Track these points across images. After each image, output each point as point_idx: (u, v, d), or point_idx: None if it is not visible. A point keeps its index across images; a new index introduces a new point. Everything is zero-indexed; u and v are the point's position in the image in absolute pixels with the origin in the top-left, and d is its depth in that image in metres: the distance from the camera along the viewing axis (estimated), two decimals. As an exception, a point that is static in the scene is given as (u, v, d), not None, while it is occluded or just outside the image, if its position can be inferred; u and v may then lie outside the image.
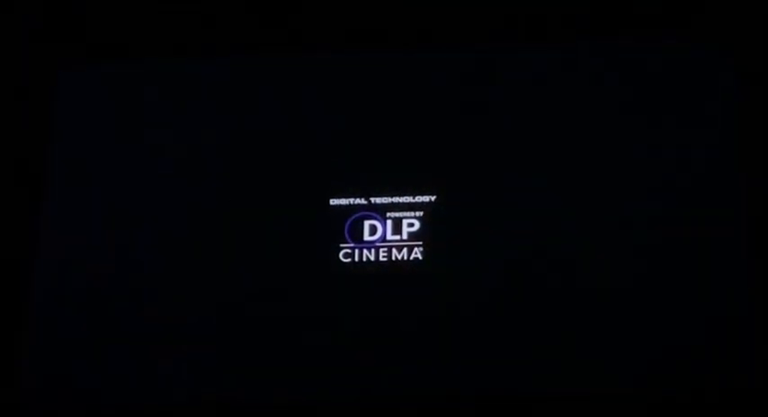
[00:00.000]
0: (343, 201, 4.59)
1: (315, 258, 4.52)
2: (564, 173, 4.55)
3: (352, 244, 4.54)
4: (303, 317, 4.42)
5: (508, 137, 4.62)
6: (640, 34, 4.71)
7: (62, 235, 4.66)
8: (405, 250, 4.51)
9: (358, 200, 4.59)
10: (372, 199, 4.58)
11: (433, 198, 4.56)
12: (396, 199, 4.58)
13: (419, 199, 4.57)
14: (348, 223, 4.56)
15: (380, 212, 4.58)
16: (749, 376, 4.23)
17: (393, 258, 4.50)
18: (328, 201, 4.60)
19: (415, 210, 4.56)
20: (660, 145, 4.55)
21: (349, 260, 4.50)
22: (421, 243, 4.51)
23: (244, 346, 4.43)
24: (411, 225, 4.53)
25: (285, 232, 4.57)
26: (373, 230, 4.56)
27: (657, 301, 4.34)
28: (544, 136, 4.61)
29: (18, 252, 4.64)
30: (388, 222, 4.55)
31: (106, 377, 4.43)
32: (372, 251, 4.52)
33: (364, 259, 4.51)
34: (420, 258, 4.49)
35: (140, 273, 4.55)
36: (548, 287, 4.40)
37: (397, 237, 4.53)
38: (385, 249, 4.52)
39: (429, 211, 4.55)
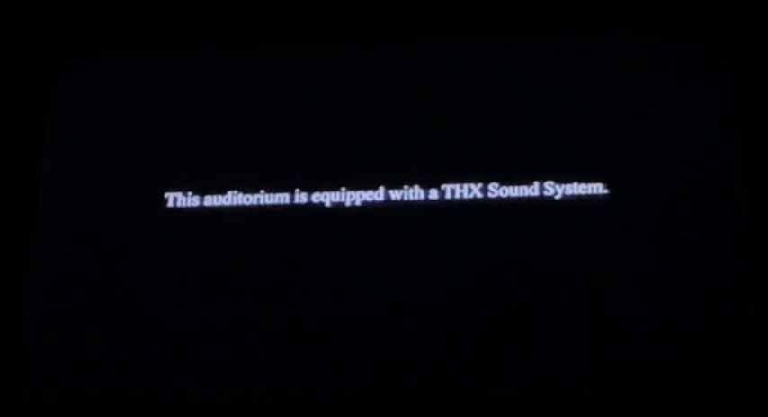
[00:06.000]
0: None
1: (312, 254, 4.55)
2: (561, 171, 4.54)
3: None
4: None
5: (506, 134, 4.62)
6: (641, 31, 4.71)
7: (59, 234, 4.66)
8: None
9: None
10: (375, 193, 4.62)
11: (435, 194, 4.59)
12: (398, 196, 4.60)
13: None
14: None
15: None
16: (749, 376, 4.24)
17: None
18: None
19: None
20: (660, 143, 4.55)
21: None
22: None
23: (240, 344, 4.44)
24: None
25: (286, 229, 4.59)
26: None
27: (657, 302, 4.34)
28: (539, 133, 4.60)
29: (15, 250, 4.65)
30: None
31: (103, 374, 4.44)
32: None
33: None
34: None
35: (136, 273, 4.56)
36: (547, 287, 4.39)
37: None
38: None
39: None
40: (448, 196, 4.55)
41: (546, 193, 4.52)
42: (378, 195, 4.59)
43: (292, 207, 4.60)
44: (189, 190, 4.65)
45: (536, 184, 4.53)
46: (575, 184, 4.52)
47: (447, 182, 4.56)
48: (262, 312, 4.47)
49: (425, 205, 4.55)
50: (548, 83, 4.66)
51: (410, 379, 4.36)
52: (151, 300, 4.52)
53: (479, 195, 4.55)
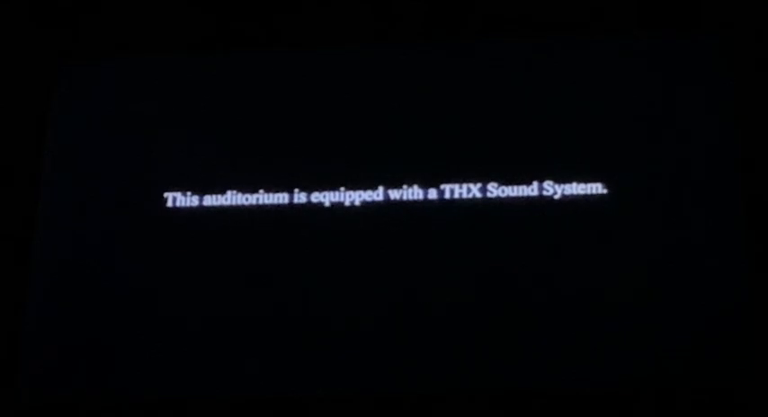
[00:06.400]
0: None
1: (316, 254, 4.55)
2: (560, 171, 4.53)
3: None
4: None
5: (505, 134, 4.61)
6: (640, 32, 4.71)
7: (59, 234, 4.66)
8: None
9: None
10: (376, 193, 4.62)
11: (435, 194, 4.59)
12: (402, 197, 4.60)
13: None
14: None
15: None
16: (748, 376, 4.23)
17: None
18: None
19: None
20: (659, 143, 4.54)
21: None
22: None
23: (240, 344, 4.44)
24: None
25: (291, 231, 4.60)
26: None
27: (656, 302, 4.33)
28: (538, 133, 4.59)
29: (15, 250, 4.65)
30: None
31: (103, 374, 4.45)
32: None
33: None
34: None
35: (135, 273, 4.56)
36: (546, 286, 4.39)
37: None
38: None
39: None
40: (447, 196, 4.55)
41: (545, 193, 4.52)
42: (377, 195, 4.59)
43: (292, 207, 4.60)
44: (188, 189, 4.66)
45: (535, 184, 4.53)
46: (574, 184, 4.51)
47: (446, 182, 4.56)
48: (261, 311, 4.47)
49: (425, 205, 4.55)
50: (547, 83, 4.66)
51: (410, 379, 4.36)
52: (150, 300, 4.53)
53: (478, 195, 4.55)
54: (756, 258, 4.36)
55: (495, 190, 4.54)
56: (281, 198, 4.61)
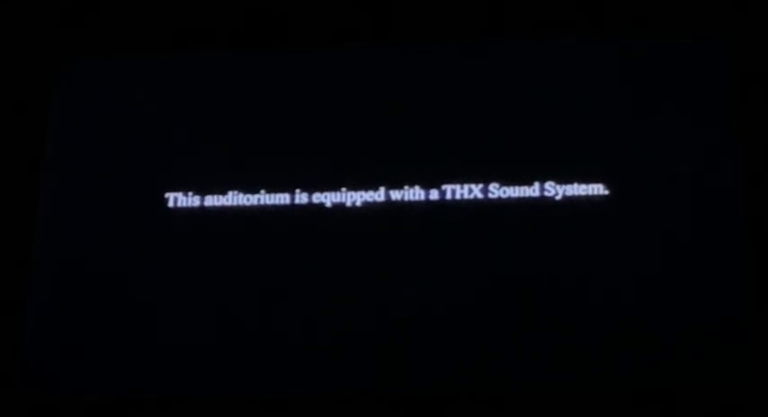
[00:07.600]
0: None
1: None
2: (562, 172, 4.54)
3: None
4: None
5: (507, 135, 4.62)
6: (641, 32, 4.72)
7: (59, 234, 4.66)
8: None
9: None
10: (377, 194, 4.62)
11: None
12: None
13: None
14: None
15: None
16: (747, 376, 4.24)
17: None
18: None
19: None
20: (660, 144, 4.55)
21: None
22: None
23: (240, 344, 4.44)
24: None
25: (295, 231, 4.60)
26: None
27: (657, 302, 4.34)
28: (540, 133, 4.60)
29: (15, 250, 4.65)
30: None
31: (103, 374, 4.45)
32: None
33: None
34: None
35: (136, 273, 4.56)
36: (546, 287, 4.40)
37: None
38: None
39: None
40: (448, 196, 4.56)
41: (546, 194, 4.53)
42: (378, 195, 4.59)
43: (293, 207, 4.60)
44: (189, 190, 4.66)
45: (536, 185, 4.54)
46: (575, 185, 4.52)
47: (448, 183, 4.56)
48: (262, 312, 4.47)
49: (426, 205, 4.56)
50: (548, 84, 4.67)
51: (410, 379, 4.36)
52: (151, 300, 4.53)
53: (480, 196, 4.55)
54: (757, 258, 4.37)
55: (496, 191, 4.55)
56: (282, 198, 4.62)
